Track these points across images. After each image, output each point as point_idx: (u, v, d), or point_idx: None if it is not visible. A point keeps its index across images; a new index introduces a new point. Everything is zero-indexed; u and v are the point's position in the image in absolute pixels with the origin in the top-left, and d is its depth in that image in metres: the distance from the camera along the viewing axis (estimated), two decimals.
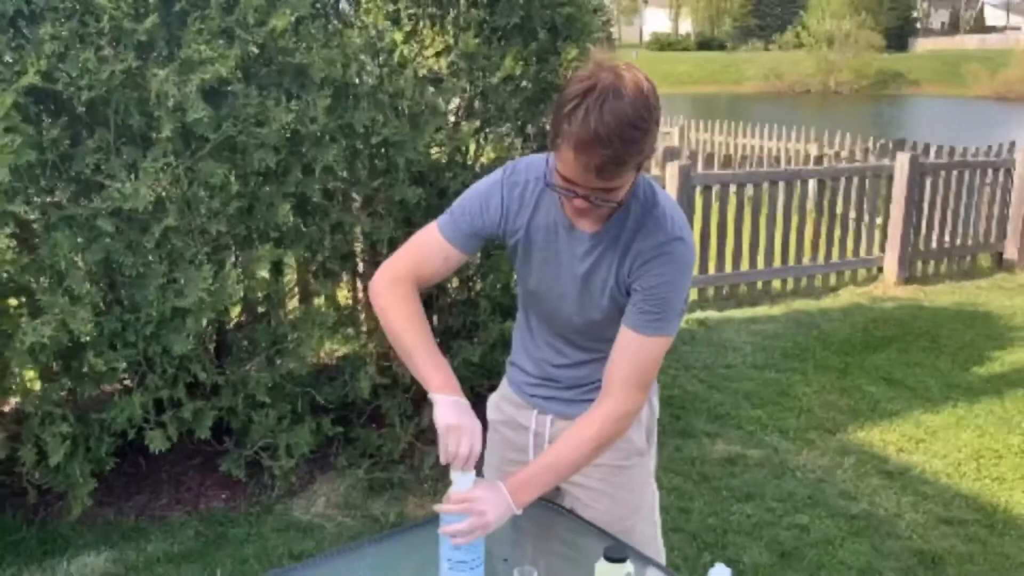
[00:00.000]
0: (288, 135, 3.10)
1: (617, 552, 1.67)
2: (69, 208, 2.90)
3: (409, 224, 3.63)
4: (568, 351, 1.92)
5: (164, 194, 2.98)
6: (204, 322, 3.08)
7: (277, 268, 3.58)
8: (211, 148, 3.02)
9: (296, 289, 3.81)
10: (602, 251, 1.74)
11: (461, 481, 1.74)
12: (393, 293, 1.77)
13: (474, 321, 3.84)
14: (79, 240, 2.90)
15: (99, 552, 3.21)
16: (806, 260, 7.00)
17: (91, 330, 2.89)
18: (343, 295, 4.13)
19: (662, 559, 2.05)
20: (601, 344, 1.81)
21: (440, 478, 3.73)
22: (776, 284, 6.93)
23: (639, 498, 2.01)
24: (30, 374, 3.17)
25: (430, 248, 1.80)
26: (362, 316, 3.89)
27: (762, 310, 6.52)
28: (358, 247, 3.84)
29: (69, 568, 3.12)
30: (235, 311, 3.56)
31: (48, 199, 2.94)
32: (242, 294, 3.13)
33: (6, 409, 3.43)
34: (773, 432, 4.39)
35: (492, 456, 2.11)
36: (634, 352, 1.74)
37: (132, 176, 2.96)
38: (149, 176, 2.92)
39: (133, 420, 3.13)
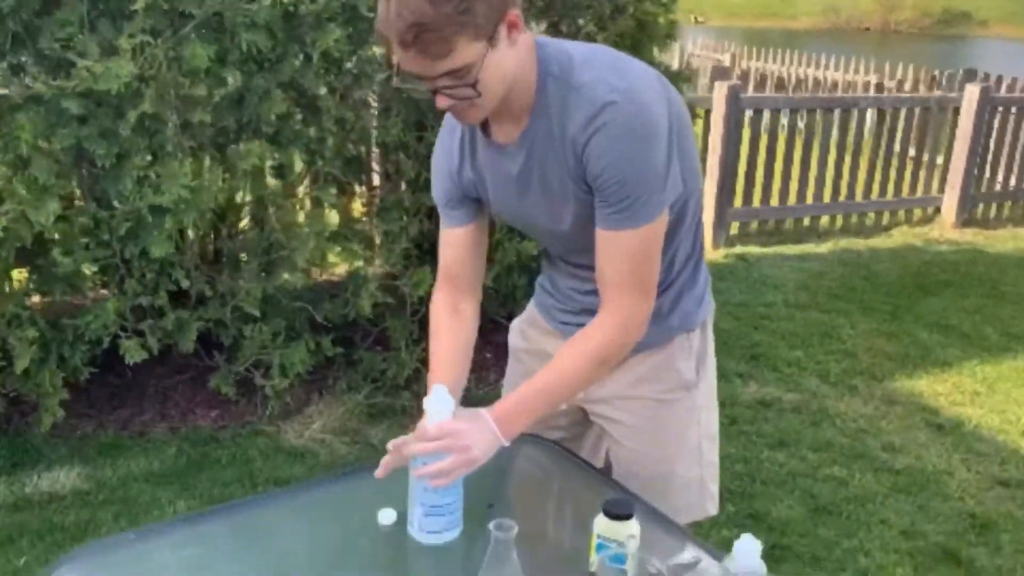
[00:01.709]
0: (282, 14, 2.73)
1: (619, 507, 1.35)
2: (36, 87, 2.59)
3: (421, 128, 3.27)
4: (591, 273, 1.59)
5: (141, 76, 2.64)
6: (185, 222, 2.77)
7: (277, 172, 3.26)
8: (195, 27, 2.67)
9: (305, 199, 3.47)
10: (541, 153, 1.44)
11: (437, 411, 1.43)
12: (432, 325, 1.65)
13: (490, 243, 3.49)
14: (45, 123, 2.58)
15: (72, 467, 2.99)
16: (858, 197, 6.52)
17: (57, 225, 2.60)
18: (357, 208, 3.80)
19: (709, 507, 1.76)
20: None
21: None
22: (824, 221, 6.48)
23: (681, 438, 1.70)
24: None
25: (448, 249, 1.64)
26: (369, 230, 3.56)
27: (808, 247, 6.09)
28: (368, 151, 3.50)
29: (39, 482, 2.90)
30: (226, 215, 3.25)
31: (12, 77, 2.62)
32: (228, 195, 2.80)
33: None
34: (812, 376, 4.03)
35: (512, 389, 1.83)
36: (614, 253, 1.45)
37: (105, 55, 2.62)
38: (124, 55, 2.59)
39: (108, 327, 2.86)
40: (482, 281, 1.69)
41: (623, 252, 1.43)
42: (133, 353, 2.88)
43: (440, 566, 1.43)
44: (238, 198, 2.95)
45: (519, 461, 1.72)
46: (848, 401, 3.80)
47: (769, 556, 2.67)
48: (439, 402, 1.41)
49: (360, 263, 3.29)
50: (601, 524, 1.36)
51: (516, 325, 1.87)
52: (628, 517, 1.35)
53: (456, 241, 1.63)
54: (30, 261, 2.79)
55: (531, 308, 1.84)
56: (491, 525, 1.27)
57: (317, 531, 1.50)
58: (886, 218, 6.73)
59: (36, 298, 3.00)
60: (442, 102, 1.36)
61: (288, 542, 1.46)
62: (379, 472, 1.45)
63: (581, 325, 1.67)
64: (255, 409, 3.39)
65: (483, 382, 3.65)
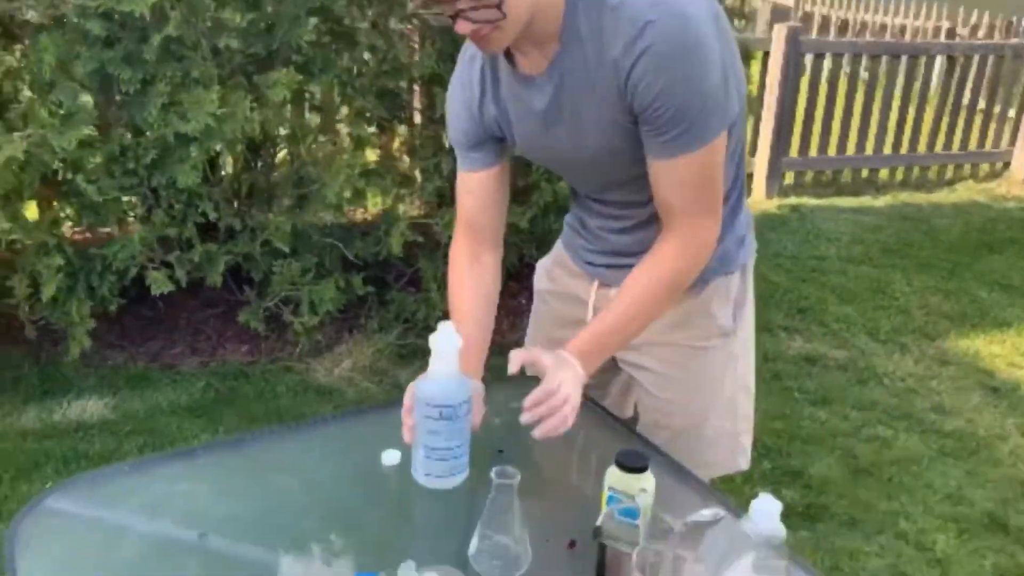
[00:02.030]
0: None
1: (633, 459, 1.26)
2: (58, 7, 2.51)
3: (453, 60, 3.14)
4: (623, 211, 1.48)
5: None
6: (212, 152, 2.70)
7: (310, 103, 3.17)
8: None
9: (340, 134, 3.37)
10: (573, 84, 1.30)
11: (443, 350, 1.33)
12: (451, 276, 1.56)
13: (526, 183, 3.37)
14: (69, 46, 2.52)
15: (100, 396, 2.99)
16: (921, 149, 6.22)
17: (82, 152, 2.55)
18: (395, 145, 3.70)
19: (740, 461, 1.67)
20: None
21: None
22: (884, 173, 6.20)
23: (714, 388, 1.60)
24: (31, 206, 2.88)
25: (466, 197, 1.53)
26: (406, 168, 3.45)
27: (865, 200, 5.84)
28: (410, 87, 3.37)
29: (67, 411, 2.90)
30: (258, 148, 3.17)
31: None
32: (258, 126, 2.71)
33: None
34: (861, 332, 3.87)
35: (537, 332, 1.76)
36: (674, 183, 1.32)
37: None
38: None
39: (135, 258, 2.82)
40: (503, 230, 1.57)
41: (684, 180, 1.31)
42: (160, 284, 2.84)
43: (442, 512, 1.35)
44: (269, 130, 2.86)
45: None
46: (898, 360, 3.63)
47: (804, 515, 2.58)
48: (446, 340, 1.32)
49: (392, 201, 3.19)
50: (613, 476, 1.26)
51: (543, 265, 1.77)
52: (641, 470, 1.25)
53: (476, 187, 1.51)
54: (56, 189, 2.75)
55: (558, 248, 1.73)
56: (493, 472, 1.19)
57: (317, 469, 1.43)
58: (950, 172, 6.42)
59: (66, 229, 2.96)
60: (463, 27, 1.22)
61: (286, 479, 1.40)
62: (407, 436, 1.35)
63: (610, 267, 1.56)
64: (285, 346, 3.36)
65: (517, 328, 3.57)
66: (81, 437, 2.78)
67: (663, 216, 1.37)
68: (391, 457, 1.42)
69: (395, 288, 3.53)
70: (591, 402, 1.65)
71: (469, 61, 1.43)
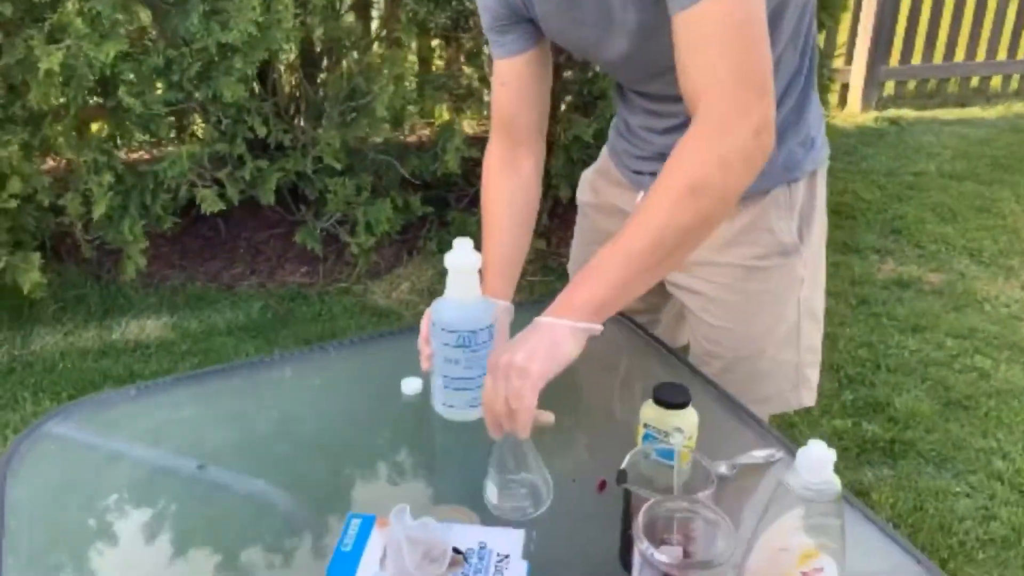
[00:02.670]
0: None
1: (672, 393, 1.10)
2: None
3: None
4: (669, 107, 1.27)
5: None
6: (257, 63, 2.58)
7: (358, 8, 2.99)
8: None
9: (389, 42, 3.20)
10: None
11: (459, 268, 1.18)
12: (484, 185, 1.38)
13: (591, 92, 3.15)
14: None
15: (159, 316, 2.97)
16: None
17: (126, 64, 2.46)
18: (449, 53, 3.51)
19: (804, 397, 1.45)
20: None
21: (538, 271, 3.22)
22: (995, 82, 5.68)
23: (776, 313, 1.39)
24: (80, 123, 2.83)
25: (500, 90, 1.34)
26: (463, 76, 3.27)
27: (973, 112, 5.37)
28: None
29: (126, 329, 2.90)
30: (305, 59, 3.03)
31: None
32: (303, 34, 2.57)
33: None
34: (962, 254, 3.55)
35: (580, 250, 1.60)
36: (697, 40, 1.03)
37: None
38: None
39: (185, 174, 2.75)
40: (545, 128, 1.38)
41: (710, 32, 1.01)
42: (210, 203, 2.77)
43: (461, 447, 1.22)
44: (316, 38, 2.71)
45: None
46: (1002, 284, 3.32)
47: (886, 451, 2.37)
48: (461, 260, 1.17)
49: (450, 115, 3.02)
50: (649, 411, 1.11)
51: (586, 176, 1.59)
52: (682, 406, 1.09)
53: (510, 75, 1.32)
54: (103, 105, 2.68)
55: (603, 156, 1.55)
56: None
57: (333, 397, 1.33)
58: None
59: (122, 153, 2.91)
60: None
61: (298, 407, 1.29)
62: (424, 364, 1.24)
63: (655, 174, 1.38)
64: (343, 268, 3.28)
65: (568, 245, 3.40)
66: (138, 356, 2.77)
67: (690, 101, 1.06)
68: (412, 385, 1.30)
69: (455, 208, 3.40)
70: (637, 327, 1.49)
71: None
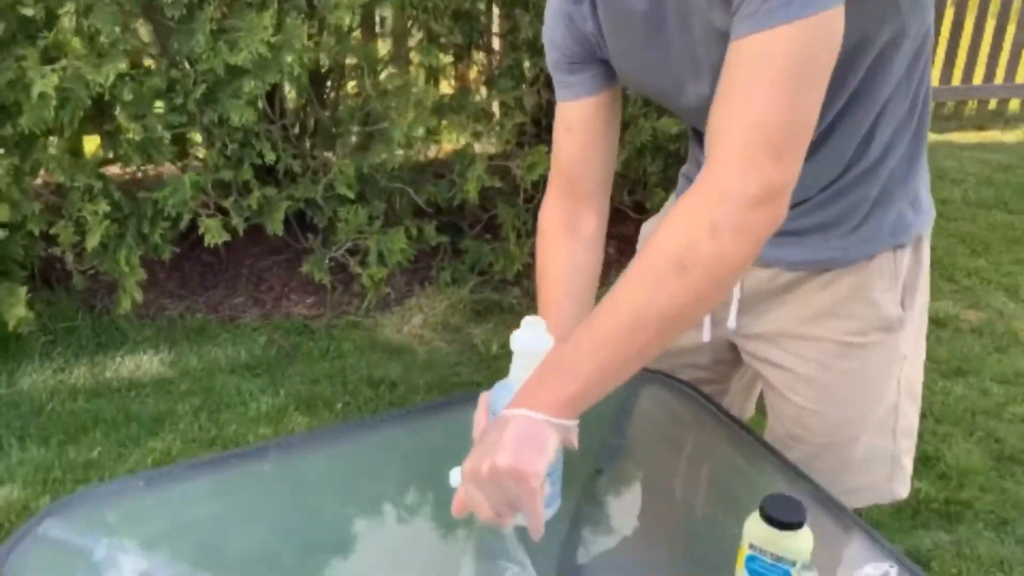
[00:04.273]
0: None
1: (786, 511, 0.93)
2: None
3: None
4: None
5: None
6: (267, 86, 2.40)
7: (370, 25, 2.83)
8: None
9: (409, 64, 3.02)
10: None
11: (528, 352, 0.99)
12: (540, 248, 1.20)
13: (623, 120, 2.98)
14: None
15: (156, 351, 2.78)
16: None
17: (125, 86, 2.28)
18: (471, 75, 3.34)
19: (899, 488, 1.28)
20: None
21: None
22: (1014, 105, 5.56)
23: (874, 395, 1.23)
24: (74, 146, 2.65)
25: (564, 137, 1.17)
26: (481, 101, 3.10)
27: (992, 135, 5.25)
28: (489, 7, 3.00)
29: (120, 366, 2.71)
30: (319, 82, 2.86)
31: None
32: (316, 56, 2.40)
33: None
34: (997, 290, 3.40)
35: None
36: (747, 70, 0.85)
37: None
38: None
39: (187, 203, 2.57)
40: (611, 186, 1.21)
41: (759, 69, 0.85)
42: (214, 233, 2.59)
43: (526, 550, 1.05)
44: (328, 59, 2.54)
45: (642, 403, 1.31)
46: None
47: (942, 513, 2.19)
48: (533, 343, 0.98)
49: (467, 139, 2.85)
50: (757, 529, 0.94)
51: (651, 226, 1.41)
52: (796, 526, 0.92)
53: (577, 121, 1.15)
54: (101, 127, 2.50)
55: (670, 205, 1.38)
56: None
57: (369, 489, 1.14)
58: None
59: (115, 173, 2.72)
60: None
61: (329, 501, 1.12)
62: (455, 510, 0.93)
63: None
64: (352, 299, 3.10)
65: (602, 283, 3.23)
66: (134, 396, 2.58)
67: (705, 148, 0.90)
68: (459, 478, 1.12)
69: (470, 237, 3.22)
70: (707, 400, 1.31)
71: None
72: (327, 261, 2.95)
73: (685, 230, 0.86)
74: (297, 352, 2.85)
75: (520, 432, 0.86)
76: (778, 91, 0.84)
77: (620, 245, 3.44)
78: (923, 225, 1.20)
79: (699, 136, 1.23)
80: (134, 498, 1.12)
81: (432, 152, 3.39)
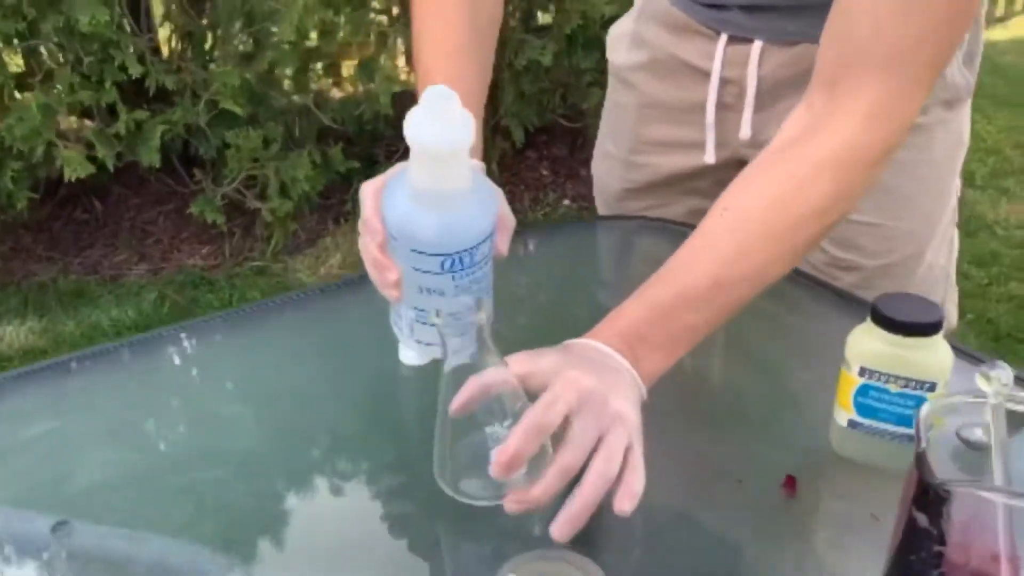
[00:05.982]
0: None
1: (914, 312, 0.61)
2: None
3: None
4: None
5: None
6: None
7: None
8: None
9: None
10: None
11: (429, 135, 0.60)
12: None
13: (544, 7, 2.65)
14: None
15: (23, 320, 2.34)
16: None
17: None
18: None
19: (952, 314, 1.04)
20: None
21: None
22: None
23: (940, 196, 0.96)
24: None
25: None
26: None
27: None
28: None
29: None
30: None
31: None
32: None
33: None
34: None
35: (615, 143, 1.08)
36: None
37: None
38: None
39: (41, 133, 2.13)
40: None
41: None
42: (75, 166, 2.15)
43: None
44: None
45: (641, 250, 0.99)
46: (1006, 206, 2.99)
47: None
48: (432, 119, 0.59)
49: (372, 38, 2.47)
50: (871, 345, 0.62)
51: (620, 31, 1.07)
52: (933, 329, 0.61)
53: None
54: None
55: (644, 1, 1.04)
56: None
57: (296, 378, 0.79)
58: (1001, 7, 5.67)
59: None
60: None
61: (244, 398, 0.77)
62: (391, 292, 0.67)
63: (751, 8, 0.89)
64: (255, 244, 2.70)
65: (540, 203, 2.91)
66: None
67: (823, 72, 0.70)
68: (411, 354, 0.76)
69: (384, 164, 2.85)
70: None
71: None
72: (219, 199, 2.53)
73: (819, 198, 0.67)
74: (194, 306, 2.44)
75: (616, 373, 0.60)
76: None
77: (554, 166, 3.12)
78: None
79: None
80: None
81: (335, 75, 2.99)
